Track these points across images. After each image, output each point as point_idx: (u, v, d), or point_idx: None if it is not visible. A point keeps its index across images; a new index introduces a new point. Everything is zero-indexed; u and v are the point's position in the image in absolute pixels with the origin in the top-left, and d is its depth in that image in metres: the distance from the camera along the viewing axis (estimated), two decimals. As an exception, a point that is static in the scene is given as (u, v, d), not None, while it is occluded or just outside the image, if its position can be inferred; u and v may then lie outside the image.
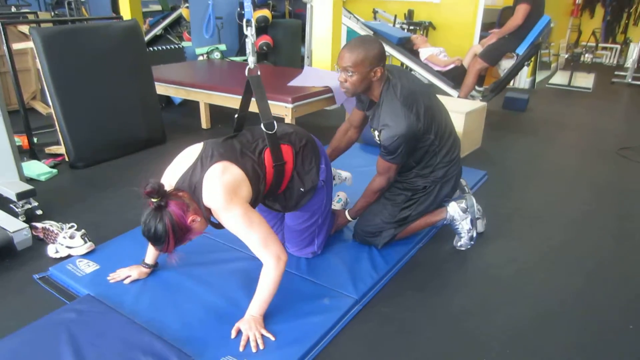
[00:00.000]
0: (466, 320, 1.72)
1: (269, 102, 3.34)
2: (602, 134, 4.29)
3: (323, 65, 4.49)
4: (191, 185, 1.54)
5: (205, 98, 3.91)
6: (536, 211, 2.64)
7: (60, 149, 3.15)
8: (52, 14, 6.37)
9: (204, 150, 1.62)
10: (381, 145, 1.91)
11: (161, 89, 4.06)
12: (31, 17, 4.72)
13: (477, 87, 4.69)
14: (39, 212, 2.37)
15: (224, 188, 1.51)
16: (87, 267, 1.90)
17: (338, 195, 2.37)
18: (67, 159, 3.10)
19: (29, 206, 2.33)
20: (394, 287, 1.91)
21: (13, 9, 5.21)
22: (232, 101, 3.71)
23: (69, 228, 2.04)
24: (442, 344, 1.60)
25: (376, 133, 1.94)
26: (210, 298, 1.74)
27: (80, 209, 2.50)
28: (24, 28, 3.80)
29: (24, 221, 2.20)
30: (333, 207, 2.24)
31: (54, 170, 2.97)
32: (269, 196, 1.81)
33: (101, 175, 3.00)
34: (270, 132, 1.68)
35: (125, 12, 4.85)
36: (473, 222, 2.13)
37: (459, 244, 2.18)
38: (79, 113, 3.06)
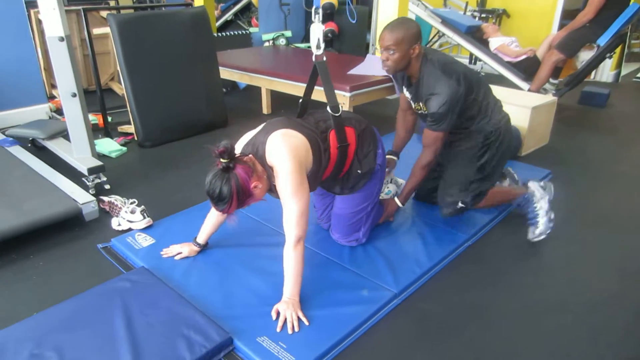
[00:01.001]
0: (510, 325, 1.66)
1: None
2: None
3: (386, 53, 4.41)
4: (254, 146, 1.62)
5: (266, 84, 4.00)
6: (601, 216, 2.45)
7: (131, 128, 3.37)
8: (134, 0, 6.75)
9: (266, 124, 1.72)
10: (428, 115, 1.99)
11: (226, 73, 4.21)
12: (112, 3, 5.04)
13: (551, 80, 4.40)
14: (107, 186, 2.56)
15: (286, 145, 1.58)
16: (144, 240, 2.03)
17: (388, 187, 2.38)
18: (136, 138, 3.31)
19: (99, 181, 2.52)
20: (437, 283, 1.88)
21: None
22: (292, 88, 3.77)
23: (131, 203, 2.19)
24: (480, 348, 1.56)
25: (421, 104, 2.04)
26: (253, 280, 1.81)
27: (143, 186, 2.67)
28: (105, 14, 4.06)
29: (93, 194, 2.39)
30: (381, 197, 2.26)
31: (124, 148, 3.19)
32: (332, 178, 1.85)
33: (165, 155, 3.17)
34: (336, 115, 1.75)
35: (199, -1, 5.04)
36: (551, 204, 2.17)
37: (536, 232, 2.15)
38: (148, 95, 3.24)
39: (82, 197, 2.21)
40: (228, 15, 6.75)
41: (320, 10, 1.89)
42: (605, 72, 5.81)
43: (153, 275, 1.77)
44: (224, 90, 4.77)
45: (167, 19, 3.36)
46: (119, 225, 2.16)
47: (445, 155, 2.17)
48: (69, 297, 1.66)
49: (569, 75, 4.43)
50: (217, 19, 6.17)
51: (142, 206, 2.17)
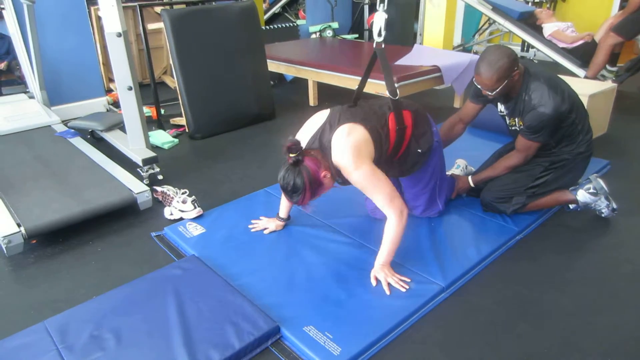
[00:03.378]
0: (562, 322, 1.59)
1: (375, 81, 3.39)
2: None
3: (435, 43, 4.32)
4: (321, 144, 1.70)
5: (313, 76, 4.01)
6: None
7: (182, 121, 3.47)
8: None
9: (331, 114, 1.78)
10: (526, 127, 2.00)
11: (273, 66, 4.25)
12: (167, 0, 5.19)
13: (608, 67, 4.14)
14: (160, 177, 2.66)
15: (351, 147, 1.65)
16: (195, 230, 2.10)
17: (457, 162, 2.47)
18: (187, 130, 3.42)
19: (152, 171, 2.62)
20: (487, 276, 1.83)
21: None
22: (338, 79, 3.76)
23: (182, 194, 2.27)
24: (529, 344, 1.50)
25: (516, 120, 2.07)
26: (301, 270, 1.82)
27: (194, 177, 2.75)
28: (159, 9, 4.20)
29: (147, 184, 2.49)
30: (452, 172, 2.40)
31: (176, 140, 3.29)
32: (389, 160, 1.91)
33: (215, 147, 3.25)
34: (394, 98, 1.81)
35: (248, -8, 5.10)
36: (608, 198, 2.15)
37: (603, 215, 2.18)
38: (198, 88, 3.33)
39: (136, 187, 2.30)
40: (276, 8, 6.79)
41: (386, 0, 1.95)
42: (673, 57, 5.40)
43: (203, 264, 1.82)
44: (272, 82, 4.83)
45: (217, 13, 3.42)
46: (171, 214, 2.24)
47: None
48: (125, 282, 1.74)
49: (630, 60, 4.15)
50: (265, 12, 6.23)
51: (193, 196, 2.23)
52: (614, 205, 2.15)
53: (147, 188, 2.32)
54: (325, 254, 1.92)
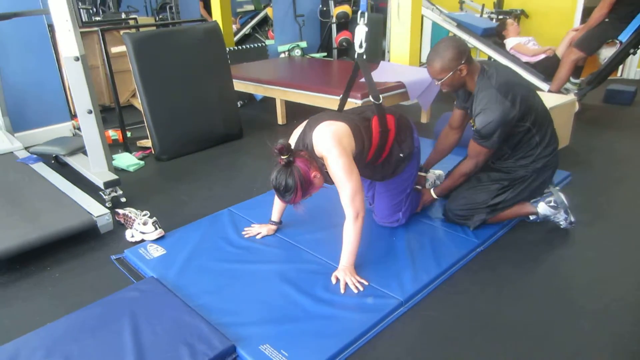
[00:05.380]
0: (519, 336, 1.60)
1: (337, 97, 3.43)
2: None
3: (401, 60, 4.40)
4: (304, 143, 1.80)
5: (280, 95, 4.05)
6: (622, 220, 2.35)
7: (148, 143, 3.46)
8: (156, 18, 6.95)
9: (310, 119, 1.89)
10: (475, 130, 1.99)
11: (241, 86, 4.28)
12: (132, 22, 5.20)
13: (572, 80, 4.26)
14: (123, 199, 2.64)
15: (331, 134, 1.75)
16: (156, 251, 2.08)
17: (427, 176, 2.48)
18: (153, 152, 3.40)
19: (115, 194, 2.60)
20: (446, 290, 1.84)
21: (123, 15, 5.77)
22: (306, 98, 3.80)
23: (143, 215, 2.25)
24: (488, 357, 1.52)
25: (473, 120, 2.03)
26: (259, 289, 1.82)
27: (158, 198, 2.73)
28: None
29: (109, 207, 2.47)
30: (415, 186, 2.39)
31: (141, 162, 3.28)
32: (371, 163, 1.99)
33: (181, 168, 3.24)
34: (377, 102, 1.91)
35: (216, 13, 5.15)
36: (567, 211, 2.17)
37: (561, 227, 2.21)
38: (163, 110, 3.33)
39: (97, 210, 2.28)
40: (246, 29, 6.86)
41: (366, 14, 2.13)
42: (633, 68, 5.61)
43: (161, 285, 1.80)
44: (241, 102, 4.86)
45: (181, 35, 3.45)
46: (132, 236, 2.21)
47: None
48: (82, 307, 1.71)
49: (591, 73, 4.28)
50: (236, 33, 6.29)
51: (154, 218, 2.22)
52: (572, 219, 2.18)
53: (108, 211, 2.30)
54: (285, 271, 1.92)
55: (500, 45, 4.65)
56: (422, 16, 4.56)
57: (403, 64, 4.34)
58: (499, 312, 1.72)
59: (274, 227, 2.20)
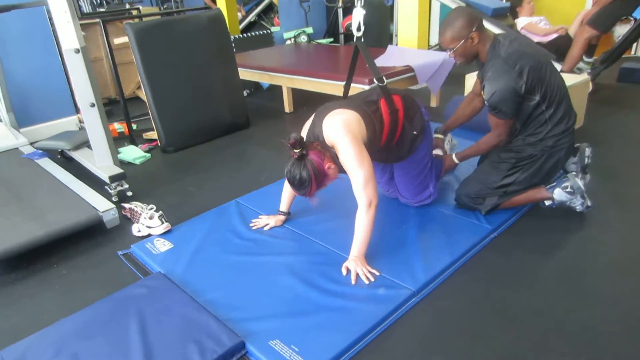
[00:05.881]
0: (534, 322, 1.56)
1: (344, 83, 3.35)
2: None
3: (409, 43, 4.30)
4: (314, 134, 1.79)
5: (286, 82, 3.98)
6: (634, 202, 2.28)
7: (154, 135, 3.43)
8: (161, 7, 6.87)
9: (318, 111, 1.87)
10: (485, 99, 1.97)
11: (247, 74, 4.22)
12: (135, 12, 5.14)
13: (585, 58, 4.13)
14: (130, 193, 2.61)
15: (340, 122, 1.74)
16: (163, 246, 2.05)
17: (447, 138, 2.51)
18: (159, 144, 3.37)
19: (121, 188, 2.57)
20: (459, 278, 1.80)
21: (127, 6, 5.71)
22: (312, 84, 3.74)
23: (149, 209, 2.22)
24: (502, 345, 1.47)
25: (482, 92, 2.02)
26: (269, 283, 1.78)
27: (165, 191, 2.70)
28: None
29: (115, 202, 2.44)
30: (435, 152, 2.40)
31: (148, 155, 3.25)
32: (387, 146, 1.98)
33: (187, 159, 3.20)
34: (382, 85, 1.90)
35: (221, 1, 5.07)
36: (583, 196, 2.11)
37: (577, 210, 2.14)
38: (168, 101, 3.28)
39: (102, 205, 2.25)
40: (251, 17, 6.77)
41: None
42: (647, 46, 5.46)
43: (168, 281, 1.77)
44: (248, 91, 4.80)
45: (183, 24, 3.38)
46: (139, 231, 2.19)
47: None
48: (89, 304, 1.69)
49: (605, 52, 4.16)
50: (241, 21, 6.20)
51: (160, 211, 2.19)
52: (589, 203, 2.11)
53: (114, 206, 2.27)
54: (294, 263, 1.88)
55: (511, 26, 4.52)
56: (430, -3, 4.43)
57: (411, 47, 4.24)
58: (513, 299, 1.67)
59: (282, 217, 2.16)
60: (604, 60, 3.99)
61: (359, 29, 1.95)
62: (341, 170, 1.78)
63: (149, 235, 2.16)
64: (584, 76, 3.36)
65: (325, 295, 1.67)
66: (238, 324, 1.55)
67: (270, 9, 6.90)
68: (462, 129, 2.58)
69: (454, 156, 2.30)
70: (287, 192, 2.14)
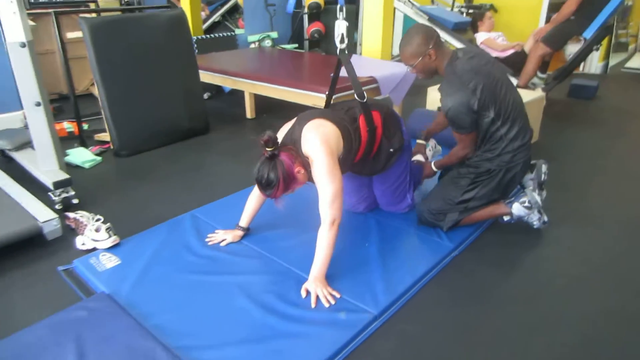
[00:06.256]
0: (499, 344, 1.54)
1: (310, 92, 3.31)
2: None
3: (373, 53, 4.29)
4: (292, 139, 1.77)
5: (249, 88, 3.87)
6: (594, 216, 2.36)
7: (107, 137, 3.24)
8: (122, 2, 6.57)
9: (300, 116, 1.85)
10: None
11: (208, 77, 4.07)
12: (92, 6, 4.88)
13: (539, 74, 4.31)
14: (75, 201, 2.42)
15: (319, 134, 1.73)
16: (109, 261, 1.91)
17: (430, 144, 2.57)
18: (112, 147, 3.18)
19: (66, 195, 2.39)
20: (421, 299, 1.76)
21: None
22: (276, 92, 3.64)
23: (96, 220, 2.07)
24: (466, 373, 1.44)
25: None
26: (225, 305, 1.68)
27: (115, 199, 2.54)
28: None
29: (59, 210, 2.26)
30: (416, 158, 2.48)
31: (98, 158, 3.06)
32: (362, 160, 1.98)
33: (142, 165, 3.04)
34: (362, 101, 1.90)
35: (185, 0, 4.90)
36: (541, 212, 2.15)
37: (534, 227, 2.18)
38: (124, 101, 3.11)
39: (43, 215, 2.07)
40: (215, 17, 6.60)
41: (344, 8, 2.11)
42: (594, 63, 5.74)
43: (113, 302, 1.63)
44: (209, 94, 4.65)
45: (143, 22, 3.23)
46: (83, 244, 2.03)
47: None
48: (25, 326, 1.53)
49: (557, 69, 4.34)
50: (204, 21, 6.03)
51: (109, 223, 2.04)
52: (545, 219, 2.15)
53: (56, 215, 2.10)
54: (252, 284, 1.79)
55: (471, 40, 4.61)
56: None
57: (375, 57, 4.23)
58: (477, 321, 1.65)
59: (240, 233, 2.07)
60: (557, 77, 4.18)
61: (342, 41, 1.97)
62: (310, 177, 1.76)
63: (94, 249, 2.00)
64: (540, 92, 3.48)
65: (284, 320, 1.59)
66: (189, 353, 1.44)
67: (235, 10, 6.75)
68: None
69: (432, 164, 2.33)
70: (250, 206, 2.06)
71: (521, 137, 2.03)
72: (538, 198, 2.13)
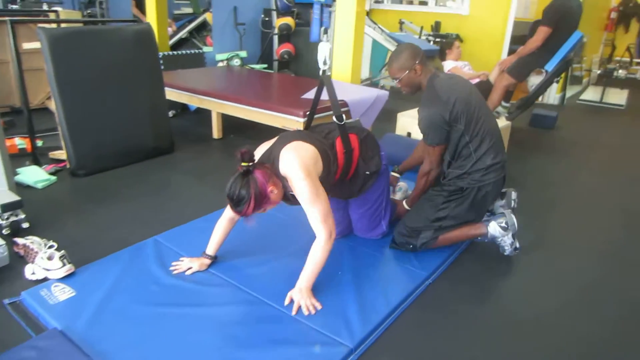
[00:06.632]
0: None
1: (280, 114, 3.27)
2: (635, 155, 4.04)
3: (343, 77, 4.30)
4: (270, 159, 1.75)
5: (217, 107, 3.79)
6: (560, 243, 2.42)
7: (63, 155, 3.06)
8: (84, 13, 6.36)
9: (282, 135, 1.85)
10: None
11: (174, 95, 3.97)
12: (52, 15, 4.68)
13: (503, 103, 4.45)
14: (26, 225, 2.24)
15: (299, 158, 1.71)
16: (62, 293, 1.75)
17: (399, 185, 2.60)
18: (68, 166, 3.01)
19: (15, 218, 2.21)
20: (397, 330, 1.71)
21: (45, 6, 5.18)
22: (244, 112, 3.58)
23: (49, 247, 1.91)
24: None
25: None
26: (190, 342, 1.56)
27: (70, 224, 2.37)
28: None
29: (7, 235, 2.09)
30: (393, 196, 2.53)
31: (53, 178, 2.87)
32: (339, 182, 1.99)
33: (101, 186, 2.88)
34: (340, 123, 1.92)
35: (151, 14, 4.79)
36: (514, 236, 2.17)
37: (505, 253, 2.20)
38: (83, 117, 2.96)
39: (-12, 241, 1.90)
40: (183, 33, 6.50)
41: (329, 30, 2.09)
42: (552, 95, 6.02)
43: (66, 340, 1.49)
44: (174, 112, 4.52)
45: (108, 35, 3.11)
46: (34, 273, 1.86)
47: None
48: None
49: (520, 98, 4.50)
50: (171, 37, 5.92)
51: (62, 250, 1.88)
52: (517, 245, 2.17)
53: (3, 242, 1.92)
54: (219, 316, 1.69)
55: (438, 68, 4.71)
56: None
57: (345, 81, 4.25)
58: (453, 355, 1.61)
59: (207, 261, 1.97)
60: (519, 106, 4.33)
61: (324, 63, 2.11)
62: (285, 198, 1.78)
63: (46, 279, 1.83)
64: (505, 121, 3.58)
65: (254, 355, 1.49)
66: (150, 396, 1.32)
67: (203, 27, 6.68)
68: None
69: (404, 203, 2.35)
70: (218, 233, 1.97)
71: (492, 157, 2.07)
72: (515, 220, 2.14)
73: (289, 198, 1.80)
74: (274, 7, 5.68)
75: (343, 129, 1.94)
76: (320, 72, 2.03)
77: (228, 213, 1.90)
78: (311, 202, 1.69)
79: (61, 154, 3.12)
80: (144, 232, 2.24)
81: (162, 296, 1.78)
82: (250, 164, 1.61)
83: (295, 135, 1.83)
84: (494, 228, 2.14)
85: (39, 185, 2.76)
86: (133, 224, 2.40)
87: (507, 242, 2.15)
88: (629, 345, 1.70)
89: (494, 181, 2.09)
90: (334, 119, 1.94)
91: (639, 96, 6.63)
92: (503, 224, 2.13)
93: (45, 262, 1.84)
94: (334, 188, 2.00)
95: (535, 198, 2.95)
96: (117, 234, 2.27)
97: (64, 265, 1.84)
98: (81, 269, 1.91)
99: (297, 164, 1.70)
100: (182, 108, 4.64)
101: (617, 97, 6.39)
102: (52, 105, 4.42)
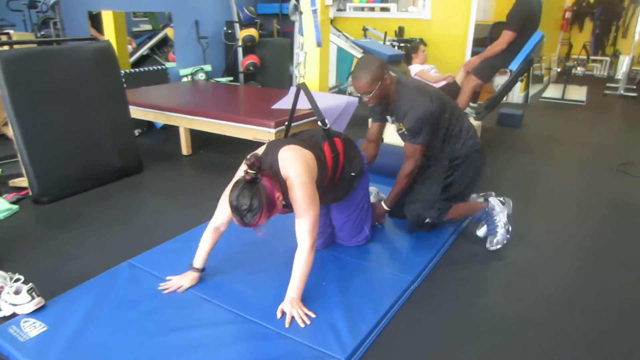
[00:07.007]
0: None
1: (250, 126, 3.22)
2: (600, 148, 4.17)
3: (311, 85, 4.28)
4: (268, 164, 1.69)
5: (185, 123, 3.70)
6: (533, 239, 2.45)
7: (24, 182, 2.91)
8: (37, 34, 6.14)
9: (272, 141, 1.83)
10: (406, 130, 2.16)
11: (140, 113, 3.86)
12: (4, 38, 4.49)
13: (471, 104, 4.53)
14: (-12, 258, 2.12)
15: (299, 159, 1.71)
16: (33, 329, 1.64)
17: (369, 190, 2.49)
18: (30, 193, 2.86)
19: (-24, 252, 2.08)
20: (386, 337, 1.69)
21: (-6, 29, 4.97)
22: (213, 126, 3.51)
23: (15, 281, 1.79)
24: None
25: (400, 124, 2.19)
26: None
27: (37, 254, 2.24)
28: None
29: (-32, 271, 1.95)
30: None
31: (15, 207, 2.72)
32: (328, 186, 1.95)
33: (67, 212, 2.74)
34: (325, 128, 1.93)
35: (109, 32, 4.66)
36: (509, 217, 2.30)
37: (494, 240, 2.27)
38: (43, 142, 2.83)
39: (-53, 279, 1.77)
40: (143, 50, 6.35)
41: (303, 39, 2.18)
42: (516, 94, 6.17)
43: (40, 379, 1.39)
44: (140, 131, 4.40)
45: (65, 55, 2.98)
46: (1, 310, 1.74)
47: (417, 172, 2.30)
48: None
49: (488, 99, 4.60)
50: (132, 54, 5.78)
51: (30, 283, 1.76)
52: (510, 228, 2.28)
53: (-36, 279, 1.80)
54: (205, 340, 1.61)
55: (404, 72, 4.75)
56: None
57: (313, 89, 4.23)
58: (446, 356, 1.61)
59: (196, 275, 1.91)
60: (487, 106, 4.41)
61: (300, 71, 2.02)
62: (286, 205, 1.73)
63: (14, 315, 1.72)
64: (474, 121, 3.63)
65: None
66: None
67: (164, 43, 6.55)
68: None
69: (382, 203, 2.36)
70: (205, 243, 1.90)
71: (474, 137, 2.26)
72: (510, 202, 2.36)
73: (286, 202, 1.74)
74: (236, 19, 5.63)
75: (328, 133, 1.94)
76: (297, 81, 2.03)
77: (214, 223, 1.85)
78: (306, 209, 1.67)
79: (22, 182, 2.97)
80: (116, 257, 2.13)
81: (143, 323, 1.69)
82: (258, 171, 1.55)
83: (286, 141, 1.81)
84: (494, 200, 2.32)
85: (0, 216, 2.61)
86: (103, 249, 2.29)
87: (502, 220, 2.27)
88: (614, 339, 1.72)
89: (483, 156, 2.32)
90: (319, 123, 1.96)
91: (598, 92, 6.88)
92: (501, 199, 2.35)
93: (12, 297, 1.72)
94: (322, 193, 1.96)
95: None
96: (87, 261, 2.16)
97: (33, 298, 1.72)
98: (52, 301, 1.79)
99: (300, 164, 1.69)
100: (149, 126, 4.52)
101: (578, 93, 6.63)
102: (9, 131, 4.24)
